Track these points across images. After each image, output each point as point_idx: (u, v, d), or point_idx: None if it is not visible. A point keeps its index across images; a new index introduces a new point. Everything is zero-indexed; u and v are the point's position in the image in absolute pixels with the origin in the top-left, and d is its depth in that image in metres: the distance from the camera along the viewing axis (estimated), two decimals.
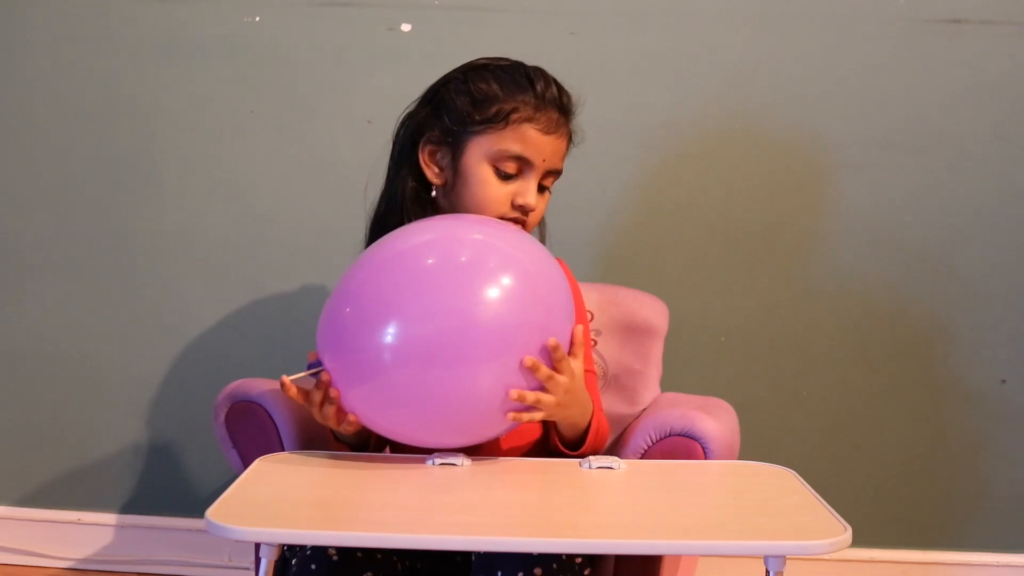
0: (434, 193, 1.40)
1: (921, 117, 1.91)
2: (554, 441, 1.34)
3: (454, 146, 1.37)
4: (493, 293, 1.19)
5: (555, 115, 1.36)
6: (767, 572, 1.02)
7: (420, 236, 1.26)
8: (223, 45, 1.96)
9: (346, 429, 1.25)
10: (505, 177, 1.35)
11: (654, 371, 1.64)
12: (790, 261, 1.94)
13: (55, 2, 1.97)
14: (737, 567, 1.78)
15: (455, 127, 1.37)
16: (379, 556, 1.25)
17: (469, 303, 1.18)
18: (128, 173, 2.00)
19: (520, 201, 1.35)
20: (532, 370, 1.19)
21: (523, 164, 1.35)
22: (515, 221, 1.37)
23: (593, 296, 1.65)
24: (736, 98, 1.91)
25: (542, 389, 1.21)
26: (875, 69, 1.90)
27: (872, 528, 1.95)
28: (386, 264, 1.23)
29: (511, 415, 1.21)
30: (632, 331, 1.64)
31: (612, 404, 1.60)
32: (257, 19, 1.95)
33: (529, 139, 1.35)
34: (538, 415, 1.23)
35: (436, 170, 1.40)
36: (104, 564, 2.04)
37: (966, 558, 1.97)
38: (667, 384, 1.66)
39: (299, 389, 1.25)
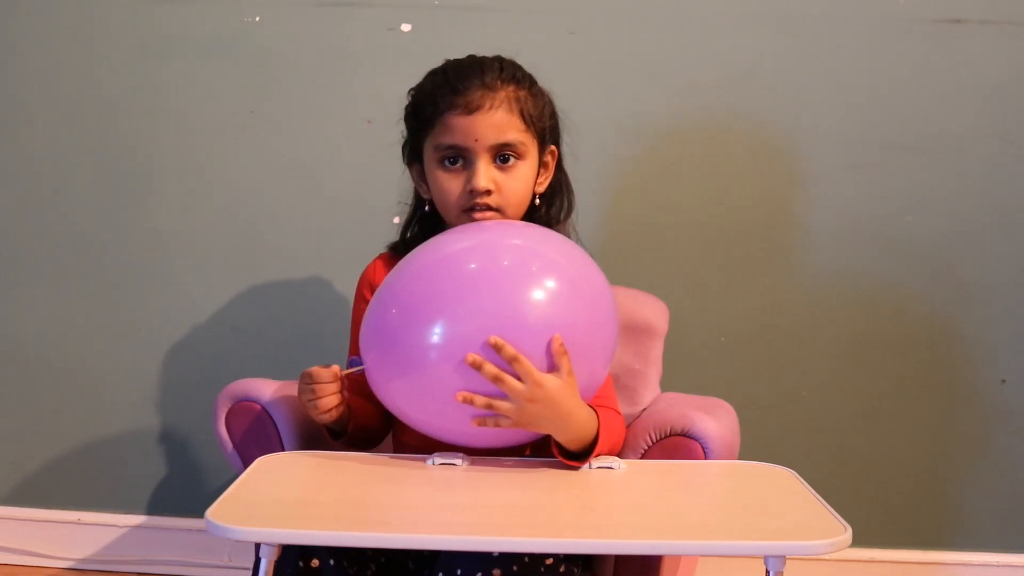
0: (428, 208, 1.45)
1: (921, 117, 1.91)
2: (552, 451, 1.30)
3: (420, 159, 1.43)
4: (536, 296, 1.21)
5: (477, 93, 1.37)
6: (767, 572, 1.02)
7: (464, 242, 1.28)
8: (223, 45, 1.96)
9: (322, 419, 1.31)
10: (453, 170, 1.38)
11: (654, 371, 1.64)
12: (790, 261, 1.94)
13: (54, 2, 1.97)
14: (737, 567, 1.78)
15: (414, 142, 1.44)
16: None
17: (511, 305, 1.20)
18: (128, 173, 2.00)
19: (469, 186, 1.37)
20: (474, 367, 1.19)
21: (460, 152, 1.38)
22: (480, 208, 1.37)
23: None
24: (736, 98, 1.91)
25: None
26: (875, 69, 1.90)
27: (872, 528, 1.95)
28: (431, 268, 1.25)
29: (473, 421, 1.21)
30: (632, 331, 1.64)
31: None
32: (257, 19, 1.95)
33: (455, 127, 1.37)
34: (505, 422, 1.21)
35: (424, 186, 1.46)
36: (104, 564, 2.04)
37: (966, 558, 1.97)
38: (667, 384, 1.66)
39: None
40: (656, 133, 1.93)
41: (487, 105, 1.36)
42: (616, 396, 1.45)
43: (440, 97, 1.38)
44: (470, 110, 1.36)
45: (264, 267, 1.99)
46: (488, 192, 1.37)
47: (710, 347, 1.95)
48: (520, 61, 1.45)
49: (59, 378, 2.04)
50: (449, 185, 1.39)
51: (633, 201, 1.94)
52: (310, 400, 1.30)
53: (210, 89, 1.97)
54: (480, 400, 1.20)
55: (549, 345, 1.21)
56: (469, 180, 1.37)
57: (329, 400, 1.30)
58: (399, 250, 1.48)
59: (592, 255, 1.34)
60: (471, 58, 1.42)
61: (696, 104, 1.92)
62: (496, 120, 1.37)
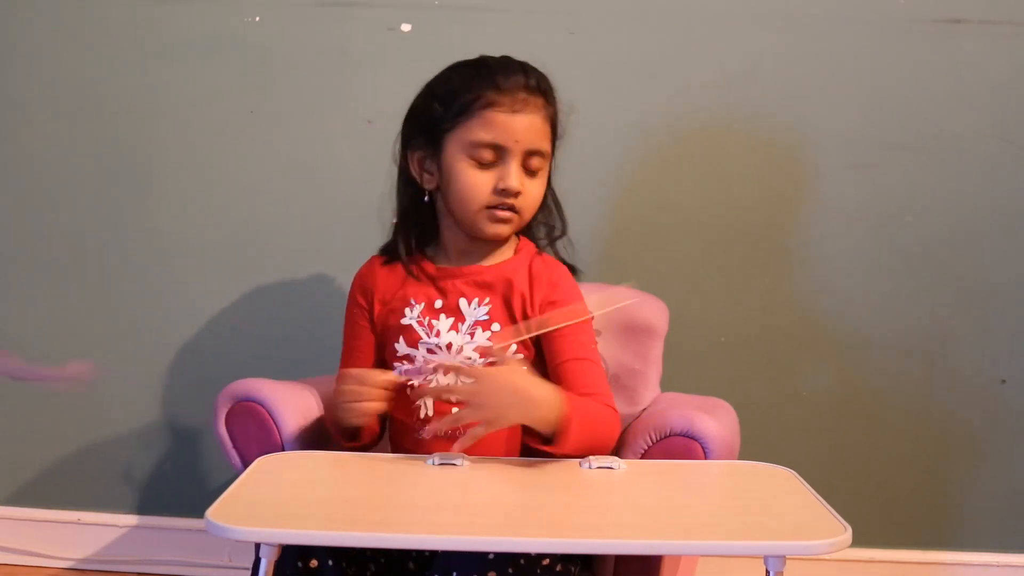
0: (427, 198, 1.44)
1: (921, 117, 1.91)
2: (532, 444, 1.30)
3: (435, 148, 1.41)
4: None
5: (521, 95, 1.37)
6: (767, 572, 1.02)
7: None
8: (223, 45, 1.96)
9: (357, 420, 1.34)
10: (483, 166, 1.37)
11: (654, 371, 1.64)
12: (790, 261, 1.94)
13: (54, 2, 1.97)
14: (737, 567, 1.78)
15: (432, 130, 1.41)
16: None
17: None
18: (128, 173, 2.00)
19: (502, 185, 1.37)
20: (420, 395, 1.32)
21: (497, 150, 1.37)
22: (503, 209, 1.38)
23: (593, 296, 1.65)
24: (736, 98, 1.91)
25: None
26: (875, 69, 1.90)
27: (872, 528, 1.95)
28: None
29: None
30: (632, 331, 1.64)
31: None
32: (257, 19, 1.95)
33: (496, 123, 1.36)
34: (479, 430, 1.23)
35: (427, 175, 1.44)
36: (104, 564, 2.04)
37: (966, 558, 1.97)
38: (667, 384, 1.66)
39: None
40: (656, 133, 1.93)
41: (530, 109, 1.37)
42: (611, 391, 1.44)
43: (482, 91, 1.36)
44: (515, 110, 1.36)
45: (264, 267, 1.99)
46: (517, 194, 1.37)
47: (710, 347, 1.95)
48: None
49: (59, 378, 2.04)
50: (478, 181, 1.37)
51: (633, 201, 1.94)
52: (352, 401, 1.32)
53: (210, 89, 1.97)
54: (447, 421, 1.24)
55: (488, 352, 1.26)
56: (502, 179, 1.36)
57: (375, 406, 1.32)
58: (390, 251, 1.48)
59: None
60: (508, 59, 1.41)
61: (696, 104, 1.92)
62: (536, 125, 1.38)
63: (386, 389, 1.32)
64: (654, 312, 1.66)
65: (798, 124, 1.91)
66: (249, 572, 1.33)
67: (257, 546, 1.08)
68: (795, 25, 1.90)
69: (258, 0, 1.95)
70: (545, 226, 1.50)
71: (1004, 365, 1.95)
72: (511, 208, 1.38)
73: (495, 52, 1.45)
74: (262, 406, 1.45)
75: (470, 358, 1.38)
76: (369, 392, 1.31)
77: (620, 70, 1.92)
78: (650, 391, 1.63)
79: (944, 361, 1.95)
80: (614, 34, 1.92)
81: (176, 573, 2.03)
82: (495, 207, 1.38)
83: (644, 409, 1.58)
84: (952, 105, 1.90)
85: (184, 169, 1.99)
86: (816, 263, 1.94)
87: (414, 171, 1.45)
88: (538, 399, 1.25)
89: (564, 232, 1.51)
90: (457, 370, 1.23)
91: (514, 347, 1.38)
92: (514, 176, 1.36)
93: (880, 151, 1.91)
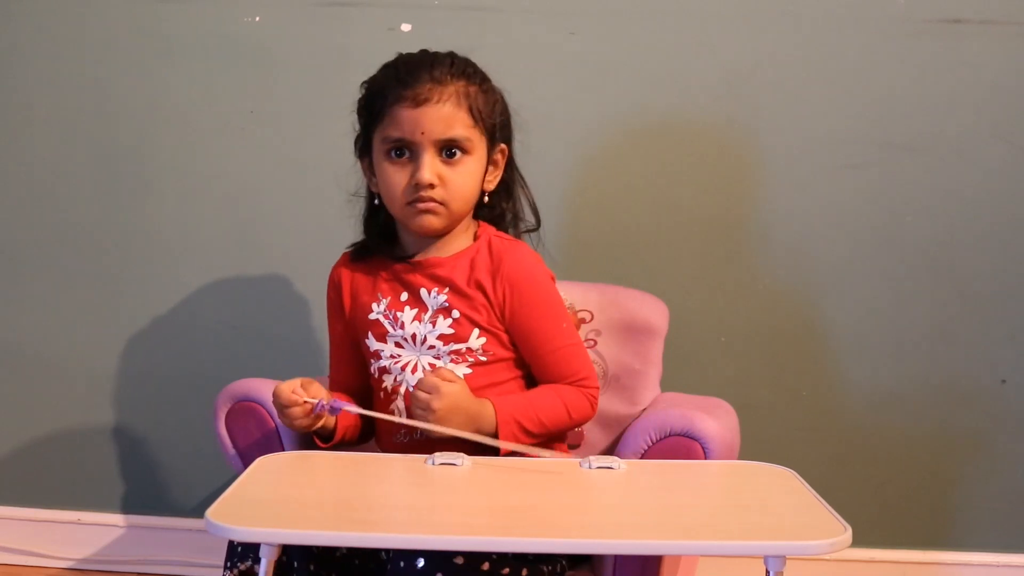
0: (376, 201, 1.47)
1: (921, 117, 1.91)
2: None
3: (370, 151, 1.44)
4: None
5: (426, 86, 1.37)
6: (767, 572, 1.02)
7: None
8: (223, 45, 1.96)
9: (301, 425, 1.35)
10: (400, 163, 1.39)
11: (654, 371, 1.64)
12: (790, 261, 1.94)
13: (54, 2, 1.97)
14: (737, 567, 1.78)
15: (364, 134, 1.45)
16: None
17: None
18: (128, 173, 2.00)
19: (414, 180, 1.38)
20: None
21: (407, 145, 1.39)
22: (424, 200, 1.38)
23: (593, 296, 1.65)
24: (736, 98, 1.91)
25: None
26: (875, 69, 1.90)
27: (872, 528, 1.95)
28: None
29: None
30: (632, 331, 1.64)
31: (612, 404, 1.60)
32: (257, 19, 1.96)
33: (402, 119, 1.38)
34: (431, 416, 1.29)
35: (373, 179, 1.47)
36: (104, 564, 2.04)
37: (966, 558, 1.97)
38: (667, 384, 1.66)
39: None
40: (656, 133, 1.93)
41: (435, 99, 1.37)
42: (594, 370, 1.46)
43: (389, 90, 1.39)
44: (417, 103, 1.37)
45: (264, 267, 1.99)
46: (432, 186, 1.37)
47: (710, 347, 1.95)
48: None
49: (58, 378, 2.04)
50: (395, 178, 1.40)
51: (633, 200, 1.94)
52: (282, 415, 1.35)
53: (210, 89, 1.97)
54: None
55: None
56: (414, 173, 1.38)
57: (296, 423, 1.34)
58: (357, 247, 1.50)
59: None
60: (423, 52, 1.43)
61: (696, 104, 1.92)
62: (443, 114, 1.37)
63: (302, 407, 1.33)
64: (654, 312, 1.66)
65: (797, 124, 1.91)
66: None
67: (257, 546, 1.08)
68: (795, 25, 1.90)
69: (258, 0, 1.95)
70: (512, 214, 1.50)
71: (1004, 365, 1.95)
72: (431, 199, 1.38)
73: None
74: (262, 406, 1.46)
75: (434, 346, 1.40)
76: (286, 411, 1.33)
77: (620, 70, 1.92)
78: (650, 391, 1.63)
79: (944, 361, 1.94)
80: (614, 34, 1.92)
81: (176, 573, 2.03)
82: (415, 201, 1.39)
83: (644, 409, 1.58)
84: (952, 105, 1.90)
85: (184, 169, 1.99)
86: (816, 263, 1.94)
87: (366, 177, 1.48)
88: (481, 414, 1.33)
89: (538, 225, 1.52)
90: (418, 384, 1.31)
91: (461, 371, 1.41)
92: (426, 168, 1.37)
93: (880, 151, 1.91)
